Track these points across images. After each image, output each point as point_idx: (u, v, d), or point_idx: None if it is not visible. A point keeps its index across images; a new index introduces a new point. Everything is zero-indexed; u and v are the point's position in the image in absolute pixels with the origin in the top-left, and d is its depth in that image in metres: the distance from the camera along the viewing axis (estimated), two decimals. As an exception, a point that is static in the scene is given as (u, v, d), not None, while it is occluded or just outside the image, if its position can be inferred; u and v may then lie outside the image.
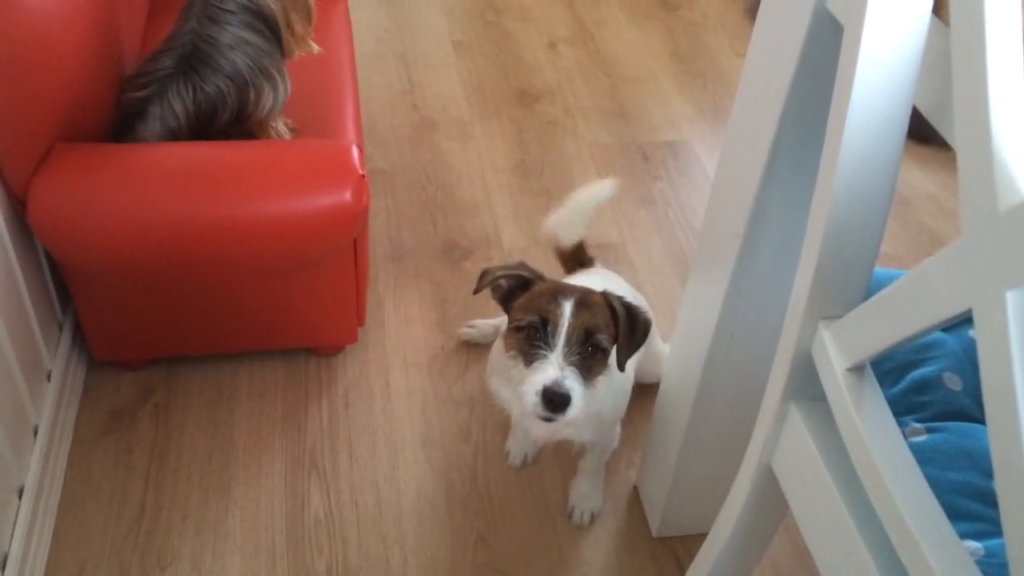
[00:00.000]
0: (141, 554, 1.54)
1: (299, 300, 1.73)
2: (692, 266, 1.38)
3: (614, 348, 1.32)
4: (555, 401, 1.22)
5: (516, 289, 1.35)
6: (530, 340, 1.26)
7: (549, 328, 1.25)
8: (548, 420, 1.25)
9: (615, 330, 1.31)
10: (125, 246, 1.50)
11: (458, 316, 1.99)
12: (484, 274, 1.36)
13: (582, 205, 1.71)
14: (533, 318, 1.26)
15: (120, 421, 1.74)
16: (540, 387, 1.22)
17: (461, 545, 1.59)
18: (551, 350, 1.25)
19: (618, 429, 1.60)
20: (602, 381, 1.33)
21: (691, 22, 3.09)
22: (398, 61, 2.81)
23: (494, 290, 1.37)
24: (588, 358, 1.27)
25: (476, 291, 1.36)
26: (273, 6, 1.67)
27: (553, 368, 1.23)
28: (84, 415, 1.75)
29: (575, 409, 1.24)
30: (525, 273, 1.35)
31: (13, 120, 1.41)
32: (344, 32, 2.09)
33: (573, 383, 1.23)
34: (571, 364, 1.24)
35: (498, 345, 1.42)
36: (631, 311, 1.33)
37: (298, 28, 1.74)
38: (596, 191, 1.71)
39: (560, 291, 1.29)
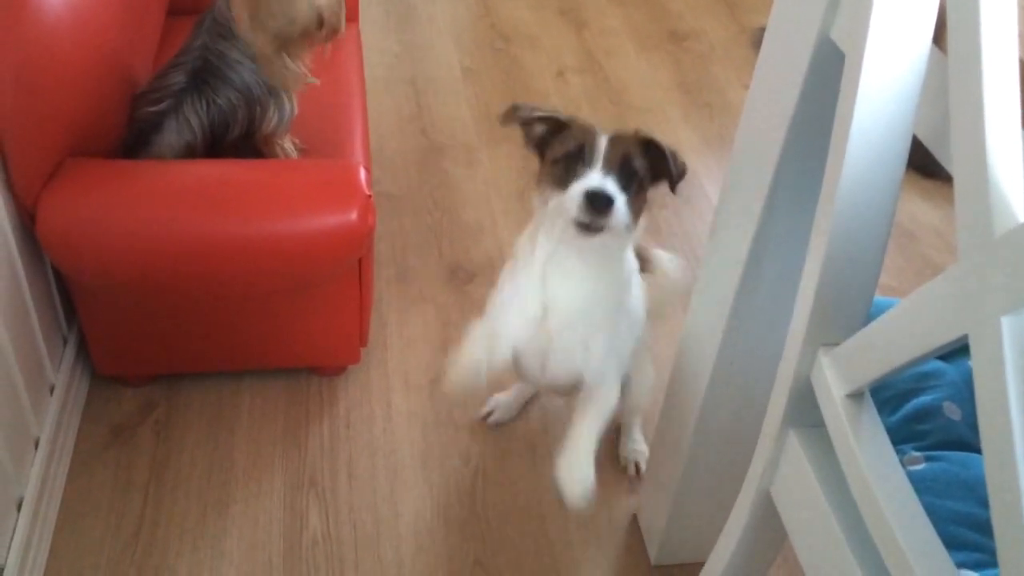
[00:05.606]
0: (138, 570, 1.53)
1: (303, 320, 1.74)
2: (694, 293, 1.39)
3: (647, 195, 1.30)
4: (596, 204, 1.20)
5: (549, 137, 1.33)
6: (568, 168, 1.25)
7: (586, 152, 1.24)
8: (589, 229, 1.22)
9: (648, 164, 1.28)
10: (132, 262, 1.51)
11: (461, 339, 1.99)
12: (515, 108, 1.33)
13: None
14: (570, 146, 1.25)
15: (121, 436, 1.75)
16: (583, 190, 1.20)
17: (458, 568, 1.59)
18: (591, 169, 1.23)
19: (618, 388, 1.48)
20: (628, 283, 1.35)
21: (699, 54, 3.12)
22: (408, 86, 2.83)
23: (527, 135, 1.35)
24: (627, 186, 1.24)
25: (504, 123, 1.33)
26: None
27: (596, 175, 1.22)
28: (85, 429, 1.75)
29: (619, 213, 1.21)
30: (561, 116, 1.33)
31: (25, 134, 1.43)
32: (355, 56, 2.12)
33: (615, 190, 1.21)
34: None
35: (518, 243, 1.40)
36: (662, 146, 1.30)
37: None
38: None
39: (594, 127, 1.28)
